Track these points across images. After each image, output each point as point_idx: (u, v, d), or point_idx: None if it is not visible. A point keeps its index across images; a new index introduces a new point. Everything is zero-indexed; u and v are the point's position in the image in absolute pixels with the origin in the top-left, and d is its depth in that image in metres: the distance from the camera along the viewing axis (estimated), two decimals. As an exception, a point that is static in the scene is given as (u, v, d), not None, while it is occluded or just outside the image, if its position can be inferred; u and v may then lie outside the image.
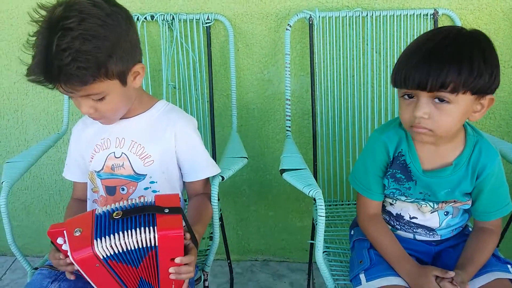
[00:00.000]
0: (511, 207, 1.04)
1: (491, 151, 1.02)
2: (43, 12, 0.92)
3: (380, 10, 1.45)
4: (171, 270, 0.89)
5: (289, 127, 1.49)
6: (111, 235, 0.84)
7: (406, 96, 0.95)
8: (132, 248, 0.85)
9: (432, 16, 1.45)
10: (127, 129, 1.08)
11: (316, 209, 1.05)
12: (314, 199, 1.03)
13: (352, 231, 1.20)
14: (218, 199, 1.56)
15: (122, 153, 1.07)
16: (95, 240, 0.83)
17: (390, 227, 1.12)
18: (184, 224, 0.87)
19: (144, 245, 0.85)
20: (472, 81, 0.88)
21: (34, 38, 0.93)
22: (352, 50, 1.49)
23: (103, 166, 1.09)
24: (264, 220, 1.83)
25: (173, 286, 0.93)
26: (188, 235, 0.91)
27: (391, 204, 1.11)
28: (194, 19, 1.50)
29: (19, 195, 1.87)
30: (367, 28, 1.46)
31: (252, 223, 1.84)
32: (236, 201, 1.80)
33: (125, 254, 0.86)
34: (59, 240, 0.86)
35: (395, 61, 0.98)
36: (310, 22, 1.45)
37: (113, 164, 1.08)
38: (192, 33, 1.52)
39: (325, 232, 1.34)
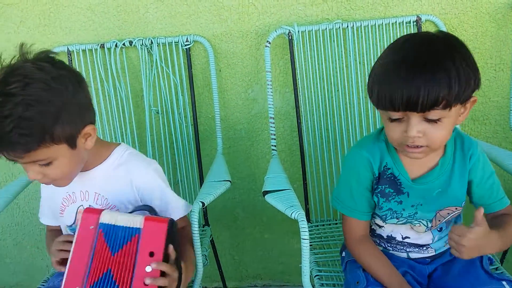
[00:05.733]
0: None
1: (470, 138, 1.00)
2: None
3: (361, 21, 1.41)
4: (146, 280, 0.89)
5: (275, 146, 1.44)
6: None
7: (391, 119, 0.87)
8: (121, 225, 0.93)
9: (415, 23, 1.40)
10: (89, 181, 1.05)
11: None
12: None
13: (344, 253, 1.13)
14: (208, 225, 1.53)
15: (89, 205, 1.05)
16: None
17: (382, 248, 1.06)
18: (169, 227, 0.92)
19: (131, 225, 0.93)
20: (462, 93, 0.82)
21: None
22: (335, 62, 1.44)
23: (74, 220, 1.07)
24: (260, 243, 1.76)
25: None
26: (171, 248, 0.92)
27: (380, 226, 1.05)
28: (173, 42, 1.48)
29: (10, 232, 1.82)
30: (349, 39, 1.42)
31: (248, 247, 1.78)
32: (230, 225, 1.74)
33: (114, 229, 0.94)
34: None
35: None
36: (290, 37, 1.42)
37: None
38: (172, 56, 1.49)
39: (317, 254, 1.28)
